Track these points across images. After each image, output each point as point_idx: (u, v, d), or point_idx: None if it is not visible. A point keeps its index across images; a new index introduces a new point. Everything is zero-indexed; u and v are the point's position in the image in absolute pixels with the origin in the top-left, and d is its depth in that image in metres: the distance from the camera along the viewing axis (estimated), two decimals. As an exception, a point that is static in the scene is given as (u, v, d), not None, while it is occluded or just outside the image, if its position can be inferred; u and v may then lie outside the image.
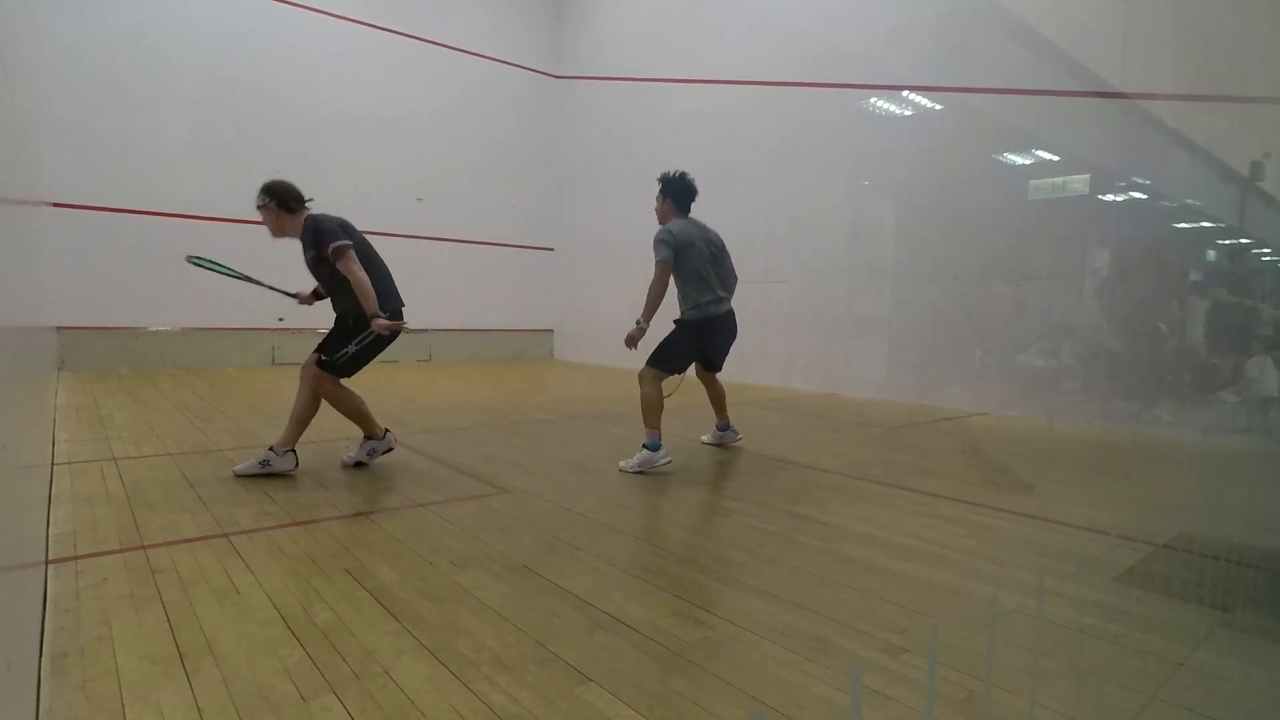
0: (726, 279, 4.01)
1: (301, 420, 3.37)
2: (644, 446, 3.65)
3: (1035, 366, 5.98)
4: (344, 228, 3.37)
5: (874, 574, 2.25)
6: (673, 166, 3.95)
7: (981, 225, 6.26)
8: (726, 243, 4.09)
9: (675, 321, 3.93)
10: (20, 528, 1.58)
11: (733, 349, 4.14)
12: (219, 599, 1.93)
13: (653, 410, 3.70)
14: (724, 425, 4.39)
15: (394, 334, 3.39)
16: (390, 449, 3.64)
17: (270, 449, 3.31)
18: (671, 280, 3.84)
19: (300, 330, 8.88)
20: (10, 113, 1.91)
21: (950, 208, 6.43)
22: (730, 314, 4.01)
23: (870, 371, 7.24)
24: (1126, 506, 3.31)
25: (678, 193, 3.92)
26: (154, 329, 7.91)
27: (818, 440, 4.75)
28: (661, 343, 3.89)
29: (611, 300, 10.15)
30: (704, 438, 4.50)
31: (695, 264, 3.82)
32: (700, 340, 3.93)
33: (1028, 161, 6.09)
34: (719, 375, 4.33)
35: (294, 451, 3.36)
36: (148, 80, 7.72)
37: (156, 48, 7.76)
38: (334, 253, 3.25)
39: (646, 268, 3.78)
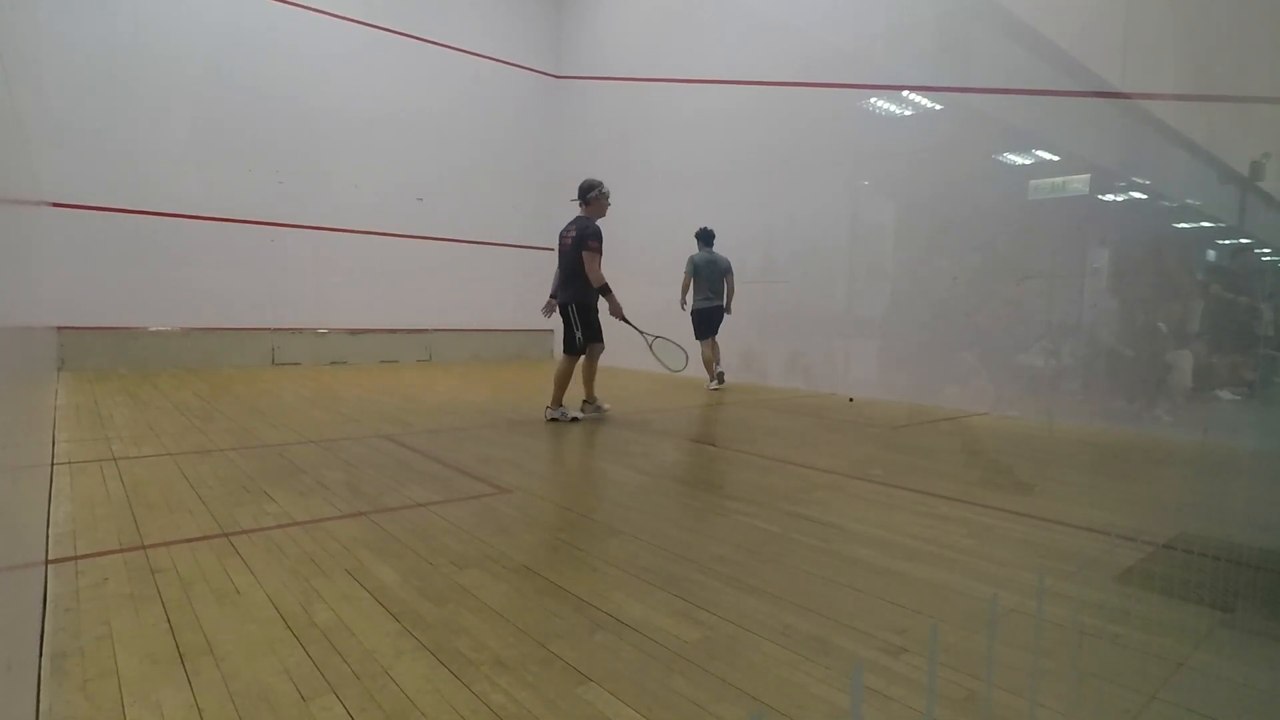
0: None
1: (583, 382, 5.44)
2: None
3: (1035, 366, 5.97)
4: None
5: (874, 574, 2.25)
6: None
7: (981, 225, 6.25)
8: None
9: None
10: (20, 528, 1.58)
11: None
12: (219, 599, 1.93)
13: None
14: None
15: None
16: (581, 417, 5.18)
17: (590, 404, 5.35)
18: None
19: (299, 330, 8.89)
20: (10, 113, 1.91)
21: (950, 208, 6.43)
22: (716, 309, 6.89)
23: (870, 371, 7.24)
24: (1126, 506, 3.31)
25: None
26: (154, 329, 7.91)
27: (818, 440, 4.75)
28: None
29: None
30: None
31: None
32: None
33: (1028, 161, 6.08)
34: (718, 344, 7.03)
35: (589, 402, 5.45)
36: (148, 80, 7.72)
37: (157, 47, 7.76)
38: None
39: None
